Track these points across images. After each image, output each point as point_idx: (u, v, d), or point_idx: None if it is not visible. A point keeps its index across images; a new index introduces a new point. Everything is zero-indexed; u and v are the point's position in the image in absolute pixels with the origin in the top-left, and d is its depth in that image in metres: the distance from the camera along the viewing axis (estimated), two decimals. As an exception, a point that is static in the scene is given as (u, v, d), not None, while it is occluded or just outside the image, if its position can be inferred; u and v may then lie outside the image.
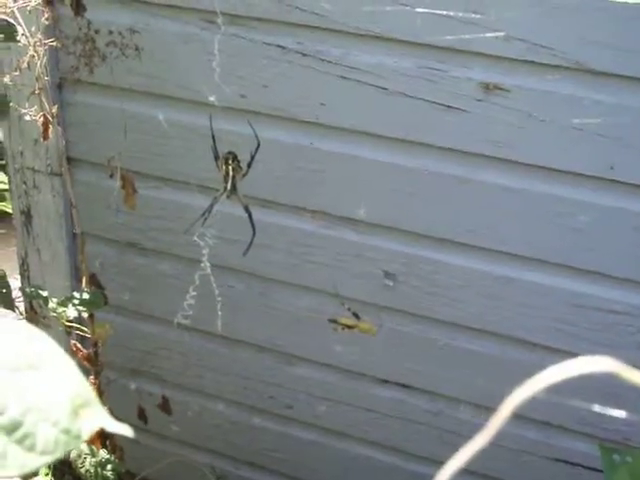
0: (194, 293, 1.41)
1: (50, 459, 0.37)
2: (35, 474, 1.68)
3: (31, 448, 0.37)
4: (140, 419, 1.67)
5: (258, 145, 1.28)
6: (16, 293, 1.69)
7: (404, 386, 1.45)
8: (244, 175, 1.30)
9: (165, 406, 1.66)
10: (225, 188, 1.28)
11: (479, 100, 1.23)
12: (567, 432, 1.36)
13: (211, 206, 1.31)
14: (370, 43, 1.26)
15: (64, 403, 0.38)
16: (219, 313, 1.49)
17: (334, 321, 1.42)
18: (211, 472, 1.67)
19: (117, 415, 1.64)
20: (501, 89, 1.22)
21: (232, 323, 1.53)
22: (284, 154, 1.37)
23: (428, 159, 1.30)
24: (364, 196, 1.36)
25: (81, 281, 1.43)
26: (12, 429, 0.37)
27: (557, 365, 0.33)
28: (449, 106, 1.25)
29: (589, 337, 1.28)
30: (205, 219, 1.32)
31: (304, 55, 1.30)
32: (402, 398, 1.46)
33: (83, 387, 0.40)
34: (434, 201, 1.32)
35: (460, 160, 1.28)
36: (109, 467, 1.32)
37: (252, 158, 1.28)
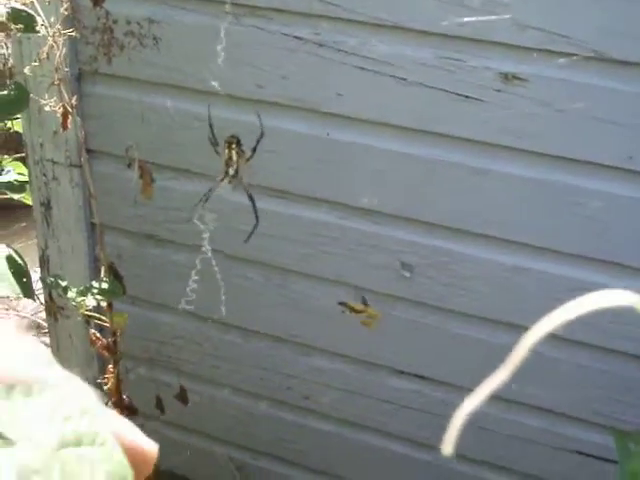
0: (200, 266, 1.42)
1: None
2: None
3: None
4: (157, 408, 1.68)
5: (262, 135, 1.29)
6: (36, 285, 1.70)
7: (420, 377, 1.45)
8: (247, 160, 1.30)
9: (182, 396, 1.67)
10: (227, 173, 1.28)
11: (497, 90, 1.23)
12: (578, 422, 1.36)
13: (210, 191, 1.32)
14: (388, 33, 1.26)
15: None
16: (234, 303, 1.50)
17: (343, 304, 1.43)
18: (230, 463, 1.68)
19: (135, 404, 1.65)
20: (519, 79, 1.21)
21: (248, 314, 1.54)
22: (301, 145, 1.38)
23: (446, 149, 1.30)
24: (381, 186, 1.36)
25: (100, 271, 1.44)
26: None
27: (574, 300, 0.34)
28: (467, 96, 1.25)
29: (603, 326, 1.27)
30: (204, 204, 1.33)
31: (321, 46, 1.30)
32: (418, 389, 1.46)
33: (123, 467, 0.41)
34: (452, 191, 1.32)
35: (478, 150, 1.28)
36: (127, 455, 1.33)
37: (257, 142, 1.29)
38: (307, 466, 1.63)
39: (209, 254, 1.40)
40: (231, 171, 1.28)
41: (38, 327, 2.42)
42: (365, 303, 1.42)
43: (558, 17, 1.16)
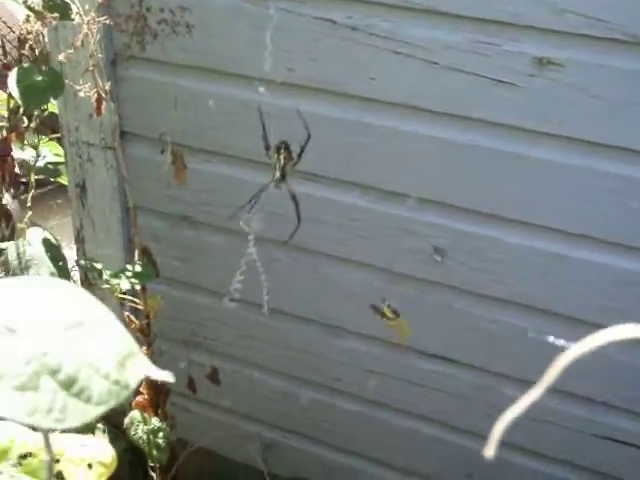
0: (245, 267, 1.44)
1: (105, 409, 0.42)
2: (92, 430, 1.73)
3: (88, 400, 0.40)
4: (189, 389, 1.71)
5: (308, 137, 1.30)
6: (72, 263, 1.73)
7: (450, 360, 1.45)
8: (294, 165, 1.32)
9: (214, 376, 1.69)
10: (274, 176, 1.31)
11: (532, 75, 1.21)
12: (615, 410, 1.36)
13: (259, 193, 1.35)
14: (420, 17, 1.25)
15: (111, 356, 0.42)
16: (267, 286, 1.52)
17: (374, 307, 1.45)
18: (258, 440, 1.70)
19: (168, 384, 1.66)
20: (555, 63, 1.19)
21: (281, 296, 1.55)
22: (333, 129, 1.38)
23: (479, 134, 1.29)
24: (413, 171, 1.36)
25: (134, 254, 1.46)
26: (69, 384, 0.41)
27: (591, 335, 0.36)
28: (501, 81, 1.23)
29: (636, 316, 1.26)
30: (252, 206, 1.36)
31: (354, 29, 1.30)
32: (448, 372, 1.46)
33: (127, 339, 0.44)
34: (484, 176, 1.31)
35: (511, 135, 1.27)
36: (160, 435, 1.36)
37: (302, 150, 1.31)
38: (337, 445, 1.65)
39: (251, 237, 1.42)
40: (278, 174, 1.32)
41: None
42: (397, 314, 1.44)
43: (596, 1, 1.14)
